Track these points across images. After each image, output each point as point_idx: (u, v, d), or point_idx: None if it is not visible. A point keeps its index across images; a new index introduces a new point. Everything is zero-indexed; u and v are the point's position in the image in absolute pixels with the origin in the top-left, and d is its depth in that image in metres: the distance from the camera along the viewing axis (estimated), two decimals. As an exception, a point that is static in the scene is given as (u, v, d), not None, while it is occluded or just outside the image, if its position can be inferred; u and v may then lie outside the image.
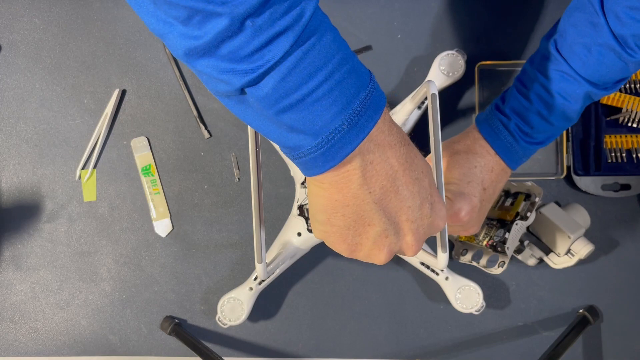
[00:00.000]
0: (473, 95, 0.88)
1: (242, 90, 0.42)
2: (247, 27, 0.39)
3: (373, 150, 0.45)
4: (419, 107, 0.82)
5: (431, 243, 0.82)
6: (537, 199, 0.78)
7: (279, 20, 0.40)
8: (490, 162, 0.68)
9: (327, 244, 0.52)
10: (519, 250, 0.83)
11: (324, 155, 0.44)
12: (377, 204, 0.47)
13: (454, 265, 0.85)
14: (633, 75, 0.85)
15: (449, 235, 0.85)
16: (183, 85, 0.90)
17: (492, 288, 0.87)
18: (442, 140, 0.71)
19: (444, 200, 0.67)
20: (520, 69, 0.88)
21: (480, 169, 0.67)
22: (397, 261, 0.87)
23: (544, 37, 0.67)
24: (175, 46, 0.41)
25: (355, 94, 0.44)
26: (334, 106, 0.43)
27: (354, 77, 0.44)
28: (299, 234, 0.80)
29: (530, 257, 0.85)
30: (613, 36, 0.60)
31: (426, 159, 0.72)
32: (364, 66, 0.46)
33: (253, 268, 0.86)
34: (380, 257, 0.50)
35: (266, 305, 0.88)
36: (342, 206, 0.47)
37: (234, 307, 0.82)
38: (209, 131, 0.89)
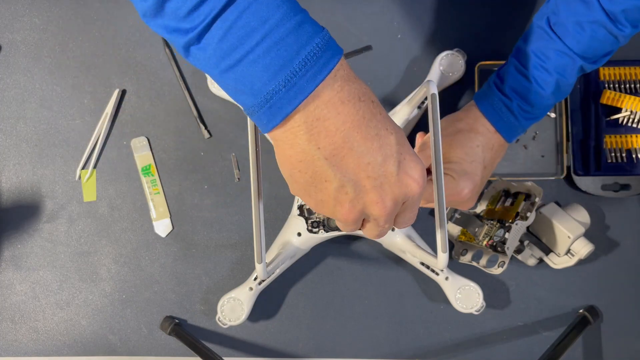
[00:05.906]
0: (473, 95, 0.88)
1: (189, 50, 0.45)
2: None
3: (320, 107, 0.45)
4: (419, 107, 0.82)
5: (431, 243, 0.82)
6: (537, 199, 0.78)
7: None
8: (491, 140, 0.71)
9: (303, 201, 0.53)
10: (519, 250, 0.83)
11: (266, 115, 0.45)
12: (328, 160, 0.46)
13: (454, 265, 0.85)
14: (633, 75, 0.85)
15: (449, 235, 0.85)
16: (183, 85, 0.90)
17: (492, 288, 0.87)
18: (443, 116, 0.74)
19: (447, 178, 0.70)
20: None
21: (482, 148, 0.70)
22: (397, 261, 0.87)
23: (537, 15, 0.70)
24: (137, 9, 0.44)
25: (295, 54, 0.44)
26: (272, 67, 0.43)
27: (295, 36, 0.44)
28: (299, 234, 0.80)
29: (530, 257, 0.85)
30: (604, 13, 0.63)
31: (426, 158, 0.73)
32: (313, 22, 0.45)
33: (253, 268, 0.86)
34: (342, 212, 0.49)
35: (266, 305, 0.88)
36: (296, 162, 0.48)
37: (234, 307, 0.82)
38: (209, 131, 0.89)
